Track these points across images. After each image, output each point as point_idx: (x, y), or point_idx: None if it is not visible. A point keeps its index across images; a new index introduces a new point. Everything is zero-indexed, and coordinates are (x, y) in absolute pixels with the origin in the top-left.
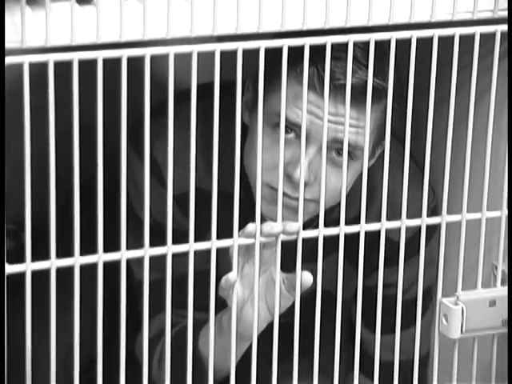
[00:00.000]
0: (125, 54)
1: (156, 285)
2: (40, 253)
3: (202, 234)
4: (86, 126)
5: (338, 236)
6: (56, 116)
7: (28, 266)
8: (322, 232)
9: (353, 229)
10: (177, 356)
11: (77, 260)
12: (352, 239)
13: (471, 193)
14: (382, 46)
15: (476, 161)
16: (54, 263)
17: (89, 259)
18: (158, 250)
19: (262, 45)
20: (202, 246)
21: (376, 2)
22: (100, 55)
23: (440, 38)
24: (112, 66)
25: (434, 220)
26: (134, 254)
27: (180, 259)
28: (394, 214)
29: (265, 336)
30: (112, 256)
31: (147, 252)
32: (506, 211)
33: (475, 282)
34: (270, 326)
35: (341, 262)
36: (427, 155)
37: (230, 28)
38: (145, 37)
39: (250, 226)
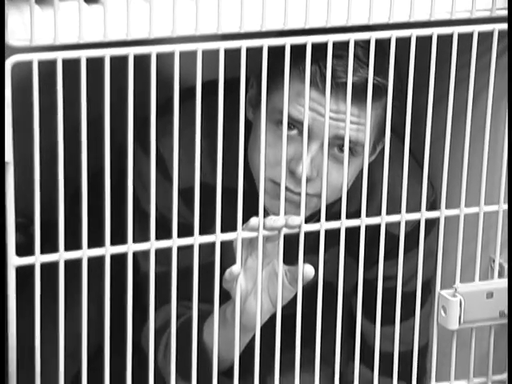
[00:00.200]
0: (131, 51)
1: (162, 277)
2: (48, 246)
3: (207, 228)
4: (94, 122)
5: (339, 230)
6: (64, 113)
7: (37, 259)
8: (323, 226)
9: (354, 223)
10: (182, 346)
11: (84, 253)
12: (353, 233)
13: (469, 187)
14: (382, 45)
15: (474, 156)
16: (62, 256)
17: (96, 252)
18: (163, 243)
19: (265, 43)
20: (207, 239)
21: (376, 2)
22: (107, 53)
23: (439, 37)
24: (119, 63)
25: (432, 214)
26: (141, 246)
27: (185, 252)
28: (393, 209)
29: (267, 327)
30: (119, 249)
31: (153, 245)
32: (503, 205)
33: (473, 274)
34: (273, 317)
35: (342, 255)
36: (426, 151)
37: (234, 27)
38: (151, 35)
39: (254, 220)
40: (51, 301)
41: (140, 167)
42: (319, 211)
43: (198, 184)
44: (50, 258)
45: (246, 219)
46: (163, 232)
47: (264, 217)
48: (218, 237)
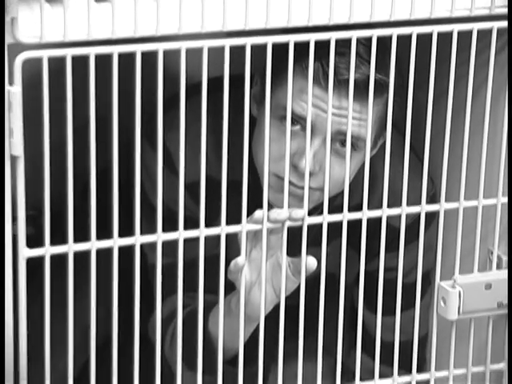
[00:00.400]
0: (139, 48)
1: (168, 269)
2: (57, 238)
3: (212, 221)
4: (103, 118)
5: (341, 222)
6: (73, 109)
7: (47, 250)
8: (326, 218)
9: (355, 215)
10: (188, 336)
11: (93, 244)
12: (355, 225)
13: (468, 181)
14: (383, 42)
15: (473, 150)
16: (71, 247)
17: (105, 244)
18: (170, 236)
19: (270, 40)
20: (212, 231)
21: (378, 0)
22: (115, 50)
23: (439, 34)
24: (126, 60)
25: (432, 207)
26: (148, 238)
27: (191, 244)
28: (394, 202)
29: (271, 317)
30: (127, 241)
31: (160, 237)
32: (501, 199)
33: (472, 266)
34: (277, 307)
35: (344, 247)
36: (426, 146)
37: (238, 24)
38: (158, 32)
39: (258, 213)
40: (58, 292)
41: (147, 162)
42: (322, 204)
43: (204, 178)
44: (59, 249)
45: (250, 212)
46: (170, 225)
47: (268, 210)
48: (224, 229)
